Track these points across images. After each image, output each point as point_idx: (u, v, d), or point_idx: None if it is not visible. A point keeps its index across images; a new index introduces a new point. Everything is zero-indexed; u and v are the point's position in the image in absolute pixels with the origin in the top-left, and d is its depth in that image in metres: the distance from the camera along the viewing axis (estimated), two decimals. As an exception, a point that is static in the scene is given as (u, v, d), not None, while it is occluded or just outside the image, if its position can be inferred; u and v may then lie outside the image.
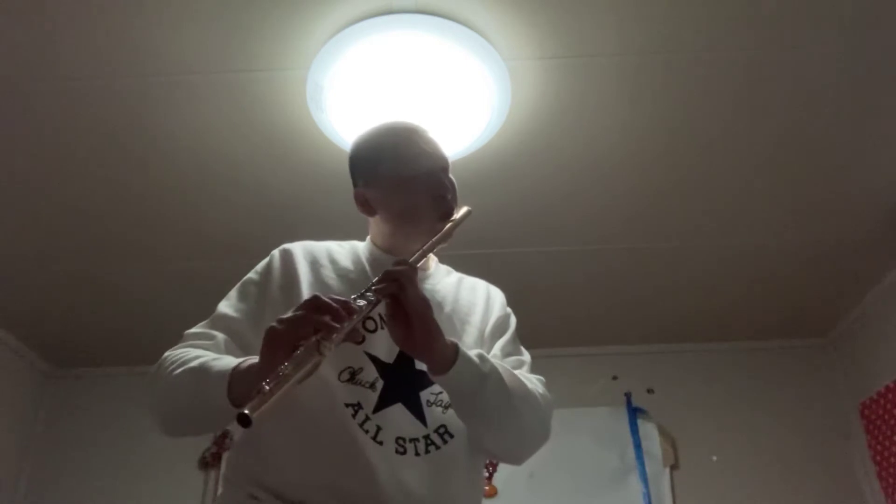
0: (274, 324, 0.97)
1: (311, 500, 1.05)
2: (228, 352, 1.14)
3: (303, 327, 0.95)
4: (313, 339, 0.92)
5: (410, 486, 1.08)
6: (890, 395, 2.84)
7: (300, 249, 1.28)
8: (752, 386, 3.20)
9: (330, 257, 1.29)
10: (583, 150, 2.23)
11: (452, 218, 1.28)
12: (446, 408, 1.17)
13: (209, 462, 3.10)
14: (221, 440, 3.10)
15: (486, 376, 1.10)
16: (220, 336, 1.17)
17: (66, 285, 2.79)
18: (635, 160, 2.27)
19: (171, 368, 1.10)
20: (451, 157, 2.23)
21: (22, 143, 2.13)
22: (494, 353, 1.26)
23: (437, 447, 1.14)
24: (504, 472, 2.99)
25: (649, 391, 3.22)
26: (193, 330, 1.21)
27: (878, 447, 2.91)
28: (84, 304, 2.92)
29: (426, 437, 1.14)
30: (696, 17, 1.82)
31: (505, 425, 1.15)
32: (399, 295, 1.05)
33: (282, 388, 0.85)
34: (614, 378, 3.25)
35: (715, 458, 3.06)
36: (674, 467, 3.06)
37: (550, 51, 1.90)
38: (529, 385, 1.19)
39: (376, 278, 1.07)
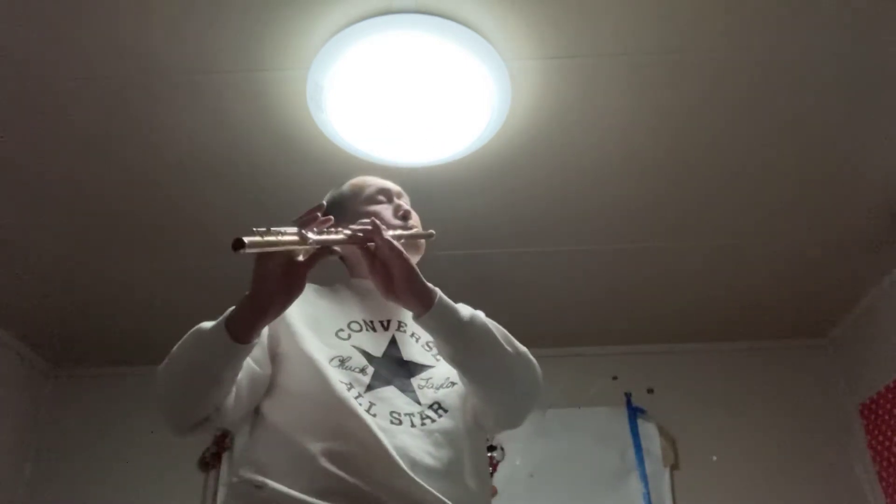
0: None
1: (317, 477, 1.07)
2: None
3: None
4: (299, 223, 1.04)
5: (412, 452, 1.11)
6: (890, 395, 2.84)
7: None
8: (752, 386, 3.20)
9: (313, 288, 1.36)
10: (583, 150, 2.23)
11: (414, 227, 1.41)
12: (437, 388, 1.23)
13: (209, 462, 3.10)
14: (221, 440, 3.10)
15: (469, 315, 1.16)
16: None
17: (67, 285, 2.79)
18: (635, 160, 2.27)
19: (171, 352, 1.16)
20: (451, 158, 2.25)
21: (21, 144, 2.13)
22: None
23: (433, 420, 1.18)
24: (504, 472, 2.98)
25: (649, 391, 3.22)
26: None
27: (878, 447, 2.91)
28: (84, 304, 2.92)
29: (420, 412, 1.18)
30: (696, 18, 1.82)
31: (495, 370, 1.19)
32: (375, 239, 1.13)
33: (275, 240, 0.98)
34: (614, 378, 3.25)
35: (715, 458, 3.06)
36: (674, 467, 3.06)
37: (550, 51, 1.90)
38: (516, 341, 1.24)
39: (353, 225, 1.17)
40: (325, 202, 1.44)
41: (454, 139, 2.09)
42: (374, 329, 1.30)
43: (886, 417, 2.86)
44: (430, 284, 1.15)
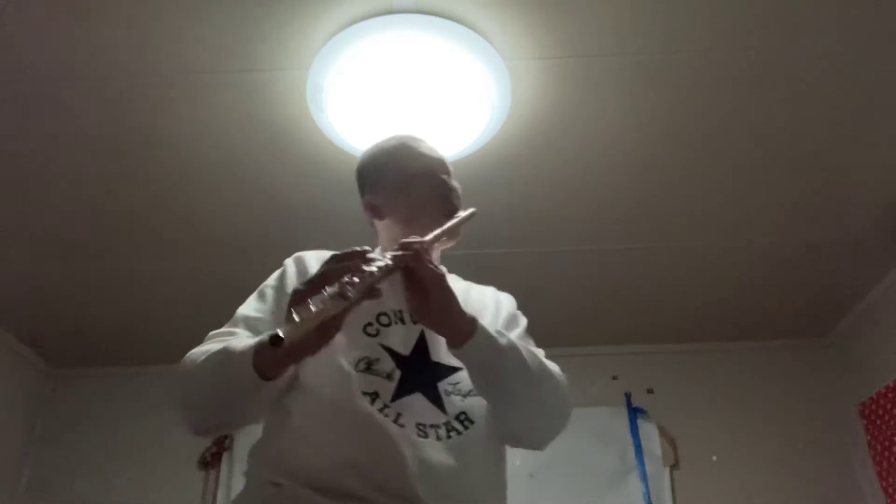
0: (297, 285, 1.00)
1: (337, 481, 1.05)
2: None
3: (326, 282, 0.96)
4: (337, 284, 0.94)
5: (435, 467, 1.08)
6: (890, 395, 2.84)
7: (312, 257, 1.30)
8: (752, 386, 3.20)
9: None
10: (583, 150, 2.23)
11: (457, 214, 1.31)
12: (465, 396, 1.18)
13: (209, 462, 3.10)
14: (221, 440, 3.10)
15: (504, 349, 1.11)
16: (242, 332, 1.18)
17: (67, 285, 2.80)
18: (635, 160, 2.27)
19: (195, 361, 1.10)
20: (451, 157, 2.23)
21: (21, 144, 2.13)
22: None
23: (459, 433, 1.14)
24: (504, 472, 2.98)
25: (649, 391, 3.22)
26: (214, 332, 1.21)
27: (878, 447, 2.91)
28: (85, 304, 2.92)
29: (446, 423, 1.14)
30: (696, 18, 1.82)
31: (525, 400, 1.16)
32: (415, 265, 1.06)
33: (311, 319, 0.89)
34: (614, 378, 3.25)
35: (715, 458, 3.06)
36: (674, 467, 3.06)
37: (550, 51, 1.90)
38: (548, 363, 1.21)
39: (392, 250, 1.08)
40: (362, 162, 1.40)
41: (454, 139, 2.09)
42: (403, 321, 1.22)
43: (886, 417, 2.86)
44: (468, 313, 1.10)
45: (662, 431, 3.12)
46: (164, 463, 3.06)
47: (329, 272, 0.99)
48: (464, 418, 1.16)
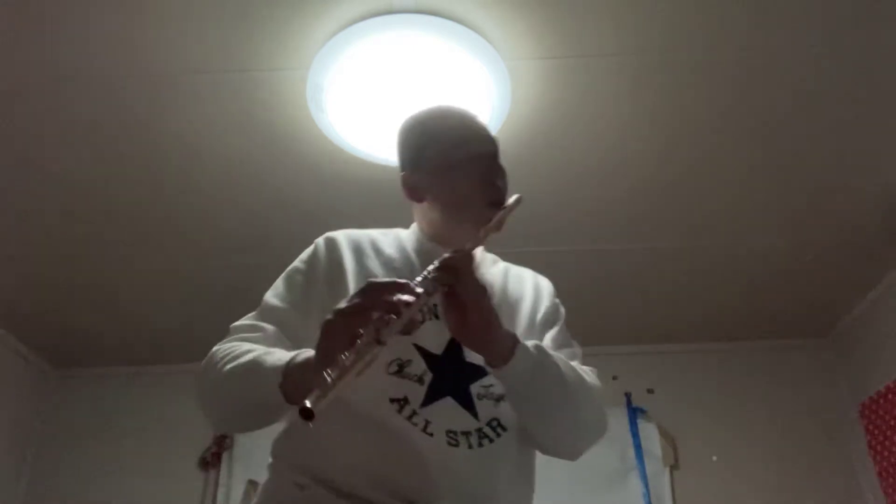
0: (329, 316, 0.92)
1: (360, 490, 1.01)
2: (279, 343, 1.10)
3: (360, 316, 0.89)
4: (372, 327, 0.87)
5: (462, 478, 1.05)
6: (890, 395, 2.84)
7: (344, 238, 1.23)
8: (753, 386, 3.20)
9: (374, 245, 1.24)
10: (582, 150, 2.23)
11: (503, 206, 1.23)
12: (497, 400, 1.12)
13: (209, 462, 3.10)
14: (221, 440, 3.10)
15: (545, 369, 1.06)
16: (269, 328, 1.13)
17: (67, 285, 2.79)
18: (635, 160, 2.27)
19: (221, 364, 1.05)
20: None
21: (21, 144, 2.13)
22: (546, 345, 1.20)
23: (491, 440, 1.09)
24: (504, 472, 2.98)
25: (649, 391, 3.22)
26: (241, 322, 1.16)
27: (878, 447, 2.91)
28: (85, 305, 2.92)
29: (478, 430, 1.09)
30: (696, 18, 1.82)
31: (562, 419, 1.11)
32: (456, 284, 0.99)
33: (343, 378, 0.82)
34: (614, 378, 3.25)
35: (715, 458, 3.06)
36: (674, 467, 3.06)
37: (550, 51, 1.90)
38: (587, 378, 1.16)
39: (431, 266, 1.00)
40: (404, 134, 1.30)
41: (454, 139, 2.09)
42: (437, 316, 1.13)
43: (886, 417, 2.86)
44: (508, 331, 1.04)
45: (662, 431, 3.11)
46: (164, 463, 3.06)
47: (363, 308, 0.90)
48: (496, 425, 1.11)
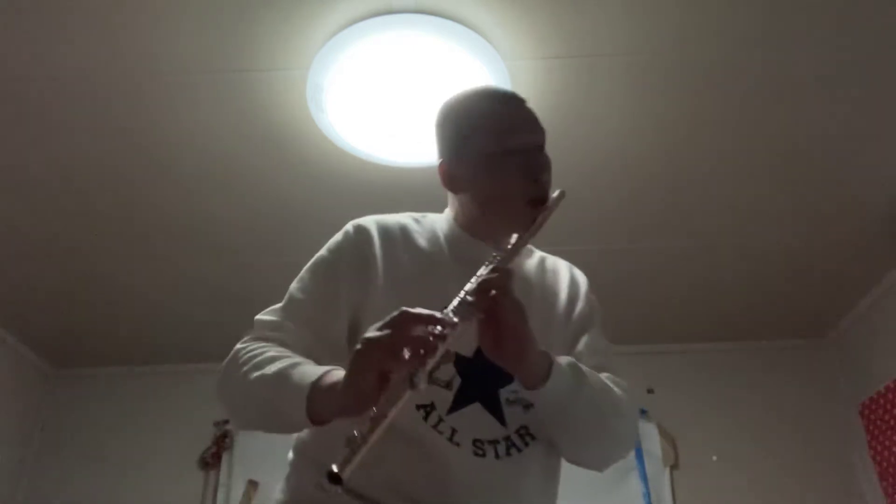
0: (359, 346, 0.87)
1: (383, 498, 0.98)
2: (303, 342, 1.07)
3: (391, 353, 0.85)
4: (405, 371, 0.83)
5: (487, 489, 1.02)
6: (890, 395, 2.84)
7: (374, 226, 1.18)
8: (752, 386, 3.20)
9: (405, 235, 1.18)
10: (583, 151, 2.23)
11: (545, 203, 1.17)
12: (527, 407, 1.08)
13: (209, 462, 3.10)
14: (221, 440, 3.10)
15: (579, 391, 1.03)
16: (292, 326, 1.09)
17: (67, 285, 2.79)
18: (636, 161, 2.27)
19: (246, 369, 1.02)
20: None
21: (21, 144, 2.13)
22: (579, 351, 1.19)
23: (519, 450, 1.06)
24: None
25: (649, 391, 3.21)
26: (266, 318, 1.11)
27: (878, 447, 2.91)
28: (85, 305, 2.92)
29: (506, 438, 1.06)
30: (697, 18, 1.82)
31: (593, 437, 1.09)
32: (493, 305, 0.94)
33: (373, 435, 0.79)
34: (614, 378, 3.25)
35: (715, 458, 3.06)
36: (674, 467, 3.06)
37: (550, 51, 1.90)
38: (617, 393, 1.12)
39: (468, 286, 0.95)
40: (445, 117, 1.23)
41: (454, 139, 2.09)
42: None
43: (886, 417, 2.86)
44: (543, 351, 1.01)
45: (662, 431, 3.11)
46: (164, 463, 3.06)
47: (396, 346, 0.85)
48: (524, 433, 1.08)
